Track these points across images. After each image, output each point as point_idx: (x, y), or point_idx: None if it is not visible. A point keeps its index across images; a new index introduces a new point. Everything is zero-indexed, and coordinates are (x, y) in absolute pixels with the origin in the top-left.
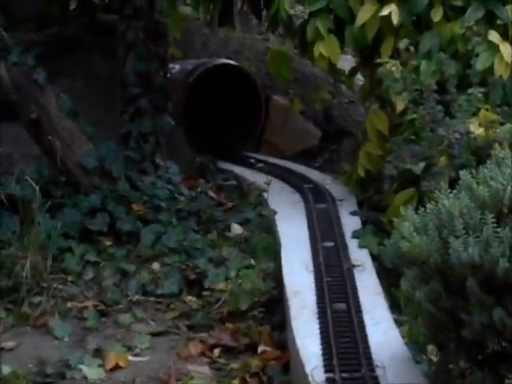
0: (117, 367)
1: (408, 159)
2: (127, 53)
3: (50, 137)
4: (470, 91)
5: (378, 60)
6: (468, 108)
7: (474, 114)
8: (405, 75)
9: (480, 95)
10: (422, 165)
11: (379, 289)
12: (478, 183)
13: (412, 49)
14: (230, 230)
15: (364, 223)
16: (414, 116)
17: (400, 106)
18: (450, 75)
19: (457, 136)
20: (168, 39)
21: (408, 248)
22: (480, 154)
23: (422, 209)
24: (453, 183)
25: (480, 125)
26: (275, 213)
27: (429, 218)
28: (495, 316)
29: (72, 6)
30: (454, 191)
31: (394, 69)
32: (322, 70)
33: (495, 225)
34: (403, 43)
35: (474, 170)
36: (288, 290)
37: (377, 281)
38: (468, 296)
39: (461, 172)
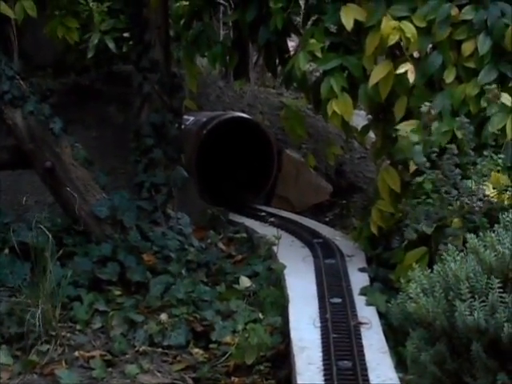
0: None
1: (423, 221)
2: (142, 104)
3: (63, 186)
4: (485, 153)
5: (398, 126)
6: (482, 170)
7: (486, 176)
8: (424, 137)
9: (496, 158)
10: (433, 225)
11: (385, 347)
12: (485, 247)
13: (433, 111)
14: (238, 283)
15: (372, 280)
16: (427, 177)
17: (413, 166)
18: (464, 137)
19: (472, 199)
20: (184, 92)
21: (414, 309)
22: (493, 217)
23: (429, 270)
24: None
25: (493, 187)
26: (284, 267)
27: (436, 279)
28: (499, 380)
29: (89, 55)
30: (462, 254)
31: (413, 128)
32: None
33: (501, 289)
34: (425, 106)
35: (482, 234)
36: (294, 346)
37: (383, 339)
38: (473, 359)
39: (468, 235)
